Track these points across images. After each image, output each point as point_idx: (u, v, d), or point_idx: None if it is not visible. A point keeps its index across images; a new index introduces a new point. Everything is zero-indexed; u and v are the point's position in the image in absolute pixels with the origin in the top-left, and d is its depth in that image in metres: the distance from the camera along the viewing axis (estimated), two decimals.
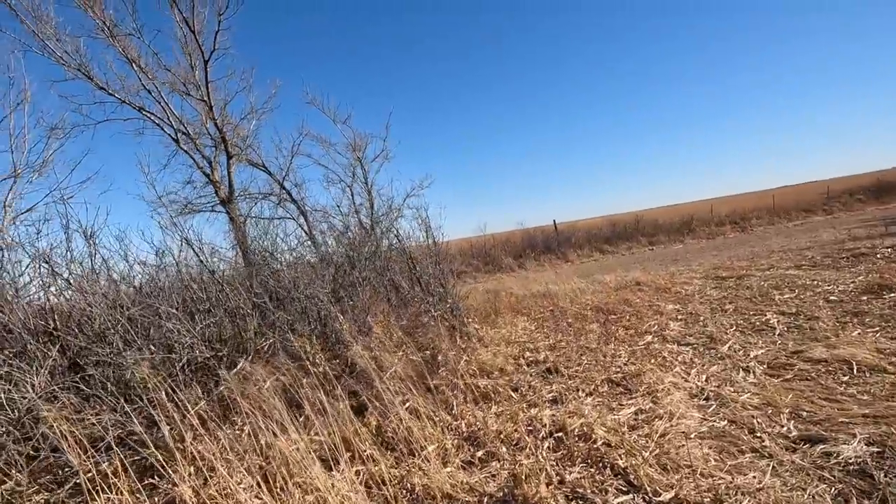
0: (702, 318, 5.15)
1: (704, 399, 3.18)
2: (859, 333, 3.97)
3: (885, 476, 2.15)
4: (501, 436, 2.92)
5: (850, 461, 2.30)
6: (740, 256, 10.08)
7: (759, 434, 2.66)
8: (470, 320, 5.21)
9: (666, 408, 3.04)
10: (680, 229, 18.64)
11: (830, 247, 9.05)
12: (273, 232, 5.33)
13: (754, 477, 2.27)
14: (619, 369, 3.84)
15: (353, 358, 3.54)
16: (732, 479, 2.27)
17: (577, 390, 3.52)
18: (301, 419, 3.06)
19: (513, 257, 16.60)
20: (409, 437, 2.86)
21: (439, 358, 3.69)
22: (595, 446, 2.67)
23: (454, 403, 3.33)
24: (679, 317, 5.38)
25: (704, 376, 3.56)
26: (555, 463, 2.58)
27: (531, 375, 3.98)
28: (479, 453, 2.77)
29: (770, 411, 2.90)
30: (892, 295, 4.88)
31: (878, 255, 7.03)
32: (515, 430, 2.95)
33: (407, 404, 3.12)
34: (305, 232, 6.71)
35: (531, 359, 4.41)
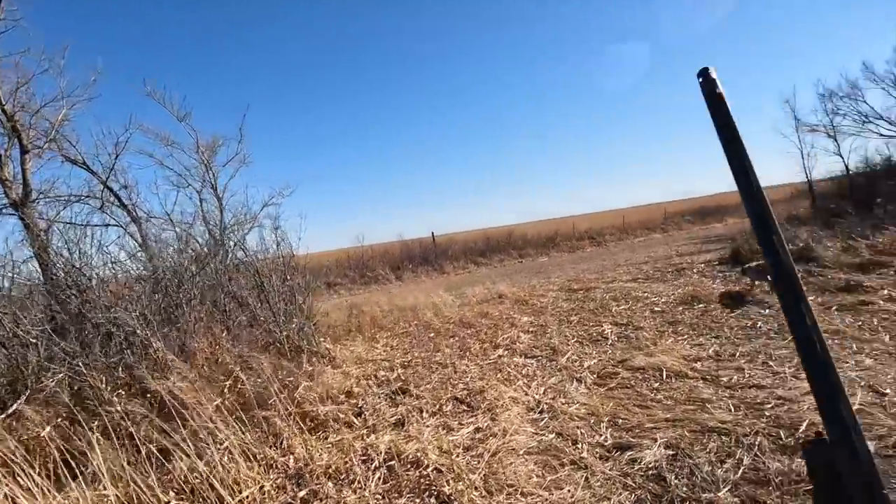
0: (549, 330, 5.46)
1: (539, 412, 3.29)
2: (672, 341, 4.47)
3: (676, 479, 2.35)
4: (331, 470, 2.69)
5: (650, 466, 2.48)
6: (592, 270, 11.08)
7: (580, 444, 2.79)
8: (322, 339, 4.91)
9: (502, 424, 3.07)
10: (546, 244, 20.12)
11: (662, 262, 10.36)
12: (88, 241, 4.49)
13: (569, 491, 2.34)
14: (465, 386, 3.85)
15: (166, 392, 3.05)
16: (550, 494, 2.32)
17: (422, 411, 3.44)
18: (88, 472, 2.54)
19: (390, 269, 16.47)
20: (224, 483, 2.50)
21: (275, 385, 3.36)
22: (426, 473, 2.57)
23: (285, 436, 3.02)
24: (531, 329, 5.65)
25: (543, 388, 3.71)
26: (381, 496, 2.42)
27: (380, 397, 3.82)
28: (302, 493, 2.51)
29: (593, 421, 3.08)
30: (701, 305, 5.64)
31: (695, 270, 8.18)
32: (347, 462, 2.75)
33: (225, 443, 2.74)
34: (138, 242, 5.82)
35: (383, 378, 4.26)
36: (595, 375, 3.89)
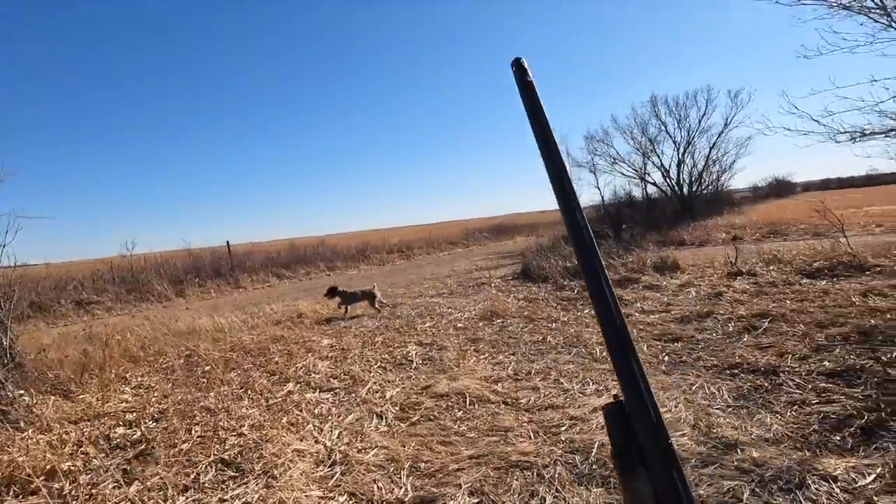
0: (351, 354, 4.94)
1: (330, 465, 2.72)
2: (475, 361, 4.40)
3: None
4: None
5: None
6: (400, 283, 10.99)
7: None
8: (21, 392, 3.43)
9: (280, 493, 2.40)
10: (356, 256, 19.66)
11: (464, 276, 10.84)
12: None
13: None
14: (238, 440, 3.04)
15: None
16: None
17: (167, 487, 2.53)
18: None
19: (170, 283, 13.83)
20: None
21: None
22: None
23: None
24: (330, 354, 5.04)
25: (338, 431, 3.14)
26: None
27: (107, 471, 2.74)
28: None
29: (393, 469, 2.64)
30: (499, 321, 5.83)
31: (492, 285, 8.66)
32: None
33: None
34: None
35: (121, 438, 3.13)
36: (398, 408, 3.49)
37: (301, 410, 3.48)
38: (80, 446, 3.04)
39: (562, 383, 3.67)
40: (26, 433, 3.02)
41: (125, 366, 4.89)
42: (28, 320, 10.97)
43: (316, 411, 3.51)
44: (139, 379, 4.61)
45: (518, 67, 0.63)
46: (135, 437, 3.13)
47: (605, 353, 4.25)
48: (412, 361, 4.56)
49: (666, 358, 3.99)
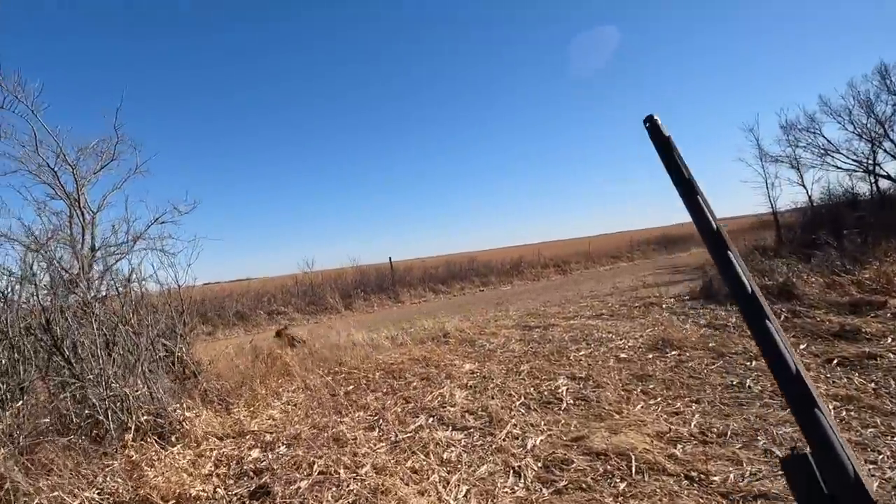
0: (492, 385, 4.39)
1: None
2: (642, 407, 3.46)
3: None
4: None
5: None
6: (554, 301, 10.16)
7: None
8: (178, 405, 3.64)
9: None
10: (510, 271, 19.23)
11: (628, 294, 9.51)
12: None
13: None
14: (354, 485, 2.70)
15: None
16: None
17: None
18: None
19: (341, 296, 15.15)
20: None
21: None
22: None
23: None
24: (470, 382, 4.56)
25: (465, 489, 2.60)
26: None
27: (230, 502, 2.63)
28: None
29: None
30: (674, 353, 4.70)
31: (664, 306, 7.31)
32: None
33: None
34: None
35: (252, 463, 3.06)
36: (540, 464, 2.81)
37: (428, 454, 3.03)
38: (218, 467, 3.04)
39: (776, 454, 2.57)
40: (175, 448, 3.14)
41: (281, 380, 5.11)
42: (233, 327, 12.98)
43: (444, 455, 3.02)
44: (290, 394, 4.73)
45: (652, 125, 0.63)
46: (263, 464, 3.03)
47: (845, 416, 2.95)
48: (561, 400, 3.81)
49: None
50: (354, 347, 6.42)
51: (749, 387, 3.62)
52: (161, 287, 4.74)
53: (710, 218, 0.58)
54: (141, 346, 3.69)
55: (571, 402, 3.76)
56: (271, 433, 3.61)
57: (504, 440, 3.17)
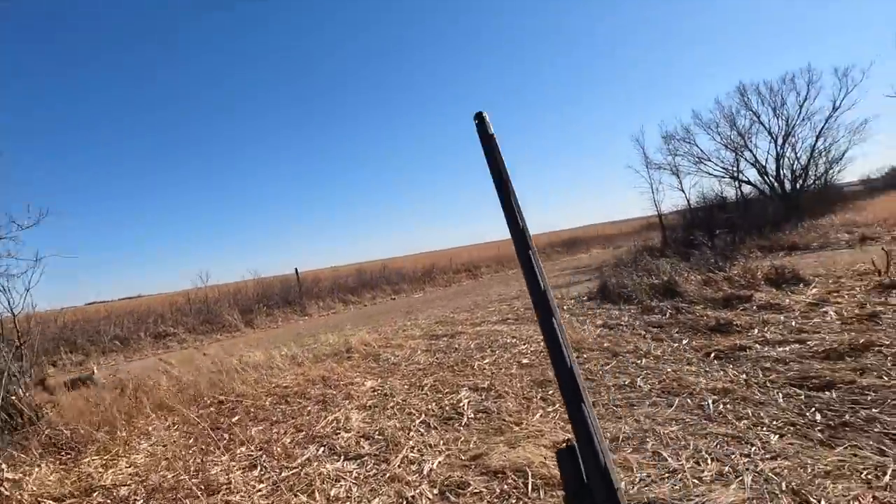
0: (392, 403, 4.14)
1: None
2: (541, 416, 3.42)
3: None
4: None
5: None
6: (464, 307, 10.16)
7: None
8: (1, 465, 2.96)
9: None
10: (422, 278, 19.15)
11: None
12: None
13: None
14: None
15: None
16: None
17: None
18: None
19: (241, 312, 14.02)
20: None
21: None
22: None
23: None
24: (370, 402, 4.27)
25: None
26: None
27: None
28: None
29: None
30: (573, 355, 4.77)
31: (565, 307, 7.55)
32: None
33: None
34: None
35: None
36: (436, 491, 2.62)
37: (313, 493, 2.71)
38: None
39: (664, 457, 2.61)
40: None
41: (154, 416, 4.45)
42: (110, 354, 11.44)
43: (332, 492, 2.71)
44: (163, 433, 4.12)
45: (481, 121, 0.65)
46: None
47: (722, 409, 3.10)
48: (462, 414, 3.67)
49: (818, 417, 2.78)
50: (246, 371, 5.84)
51: (640, 386, 3.73)
52: None
53: (519, 218, 0.62)
54: None
55: (472, 415, 3.63)
56: (128, 485, 3.06)
57: (399, 466, 2.94)
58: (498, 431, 3.27)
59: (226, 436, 3.90)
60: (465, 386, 4.33)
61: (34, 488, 2.88)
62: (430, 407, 3.94)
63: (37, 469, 3.09)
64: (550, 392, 3.89)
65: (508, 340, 5.90)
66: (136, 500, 2.85)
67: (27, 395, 3.81)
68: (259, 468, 3.16)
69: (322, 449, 3.36)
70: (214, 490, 2.88)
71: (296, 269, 17.46)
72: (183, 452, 3.60)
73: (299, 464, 3.14)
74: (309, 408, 4.32)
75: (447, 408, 3.87)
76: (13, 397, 3.61)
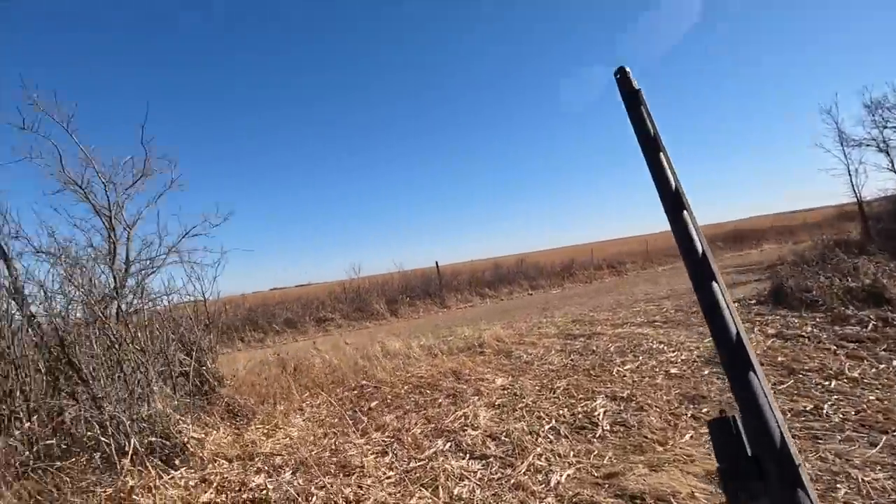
0: (522, 404, 4.00)
1: None
2: (692, 437, 2.97)
3: None
4: None
5: None
6: (604, 306, 9.51)
7: None
8: (188, 425, 3.53)
9: None
10: (561, 273, 18.50)
11: (686, 297, 8.71)
12: None
13: None
14: None
15: None
16: None
17: None
18: None
19: (386, 302, 15.13)
20: None
21: None
22: None
23: None
24: (499, 400, 4.19)
25: None
26: None
27: None
28: None
29: None
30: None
31: None
32: None
33: None
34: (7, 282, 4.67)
35: (251, 493, 2.88)
36: None
37: (437, 489, 2.71)
38: (219, 493, 2.88)
39: None
40: (178, 472, 3.02)
41: (307, 393, 4.97)
42: (282, 334, 13.26)
43: (455, 490, 2.69)
44: (314, 409, 4.58)
45: (622, 76, 0.61)
46: (264, 492, 2.83)
47: None
48: (597, 425, 3.37)
49: None
50: (388, 358, 6.22)
51: (827, 414, 3.02)
52: (187, 300, 4.76)
53: (671, 177, 0.57)
54: (148, 364, 3.62)
55: (608, 427, 3.31)
56: (282, 455, 3.43)
57: (525, 474, 2.80)
58: (637, 449, 2.92)
59: (364, 419, 4.16)
60: (602, 393, 3.99)
61: (212, 448, 3.41)
62: (561, 412, 3.71)
63: (215, 432, 3.66)
64: (704, 410, 3.37)
65: (654, 346, 5.32)
66: (286, 470, 3.18)
67: (213, 366, 4.55)
68: (390, 455, 3.30)
69: (449, 444, 3.37)
70: (350, 472, 3.07)
71: (436, 263, 18.19)
72: (326, 431, 3.93)
73: (426, 456, 3.19)
74: (440, 400, 4.40)
75: (580, 415, 3.60)
76: (203, 367, 4.34)
